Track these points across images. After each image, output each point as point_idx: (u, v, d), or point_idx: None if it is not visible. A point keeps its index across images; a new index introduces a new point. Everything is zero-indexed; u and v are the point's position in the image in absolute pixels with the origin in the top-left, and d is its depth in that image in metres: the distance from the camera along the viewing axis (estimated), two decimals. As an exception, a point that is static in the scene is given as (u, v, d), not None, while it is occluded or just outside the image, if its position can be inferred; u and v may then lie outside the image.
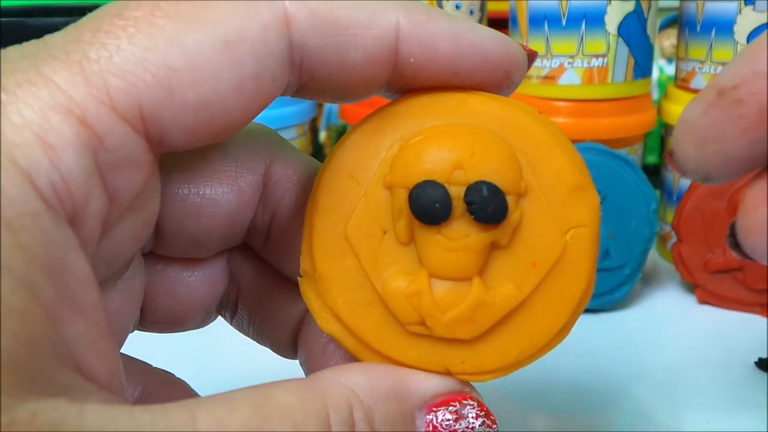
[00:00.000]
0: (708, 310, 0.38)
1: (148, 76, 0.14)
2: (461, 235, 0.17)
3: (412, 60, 0.16)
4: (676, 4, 0.43)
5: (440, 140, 0.17)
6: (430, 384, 0.17)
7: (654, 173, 0.58)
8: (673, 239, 0.39)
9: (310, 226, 0.18)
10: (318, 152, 0.71)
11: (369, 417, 0.15)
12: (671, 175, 0.43)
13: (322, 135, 0.71)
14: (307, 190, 0.18)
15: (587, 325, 0.37)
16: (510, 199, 0.17)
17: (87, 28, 0.15)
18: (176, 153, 0.16)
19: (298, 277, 0.18)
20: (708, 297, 0.38)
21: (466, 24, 0.17)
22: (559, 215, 0.18)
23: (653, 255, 0.44)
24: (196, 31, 0.15)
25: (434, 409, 0.16)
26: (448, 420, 0.16)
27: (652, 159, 0.65)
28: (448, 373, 0.18)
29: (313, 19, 0.15)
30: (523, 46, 0.18)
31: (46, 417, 0.12)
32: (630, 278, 0.37)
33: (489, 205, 0.17)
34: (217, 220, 0.19)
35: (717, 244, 0.38)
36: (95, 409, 0.12)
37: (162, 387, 0.21)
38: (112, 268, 0.17)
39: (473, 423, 0.17)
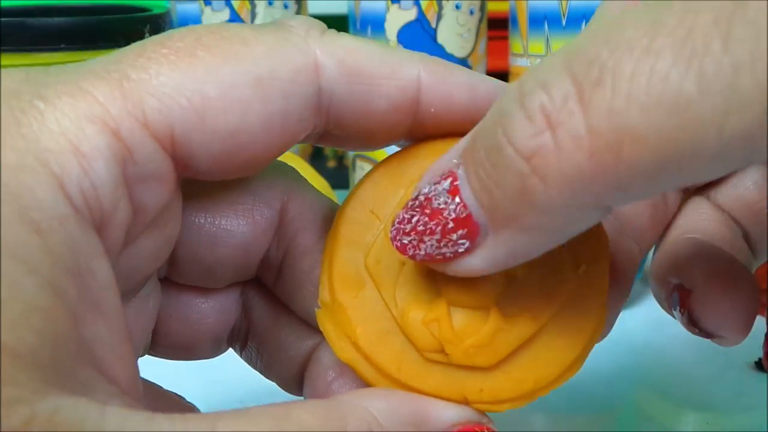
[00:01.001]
0: (708, 310, 0.38)
1: (183, 100, 0.15)
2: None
3: (432, 110, 0.17)
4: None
5: None
6: (449, 413, 0.17)
7: (654, 173, 0.58)
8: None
9: (330, 258, 0.18)
10: (318, 152, 0.71)
11: None
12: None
13: (322, 135, 0.71)
14: (323, 229, 0.19)
15: (587, 325, 0.37)
16: None
17: (130, 53, 0.16)
18: (197, 182, 0.17)
19: (316, 309, 0.18)
20: (708, 297, 0.38)
21: (478, 76, 0.18)
22: (572, 250, 0.18)
23: (653, 255, 0.45)
24: (232, 65, 0.16)
25: None
26: None
27: (652, 159, 0.65)
28: (466, 401, 0.18)
29: (341, 67, 0.17)
30: None
31: (67, 415, 0.12)
32: (630, 278, 0.37)
33: None
34: (231, 250, 0.20)
35: (717, 244, 0.38)
36: (116, 411, 0.12)
37: (172, 410, 0.21)
38: (130, 282, 0.17)
39: None
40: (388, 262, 0.18)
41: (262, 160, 0.17)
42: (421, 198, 0.16)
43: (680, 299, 0.21)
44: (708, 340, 0.35)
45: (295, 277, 0.20)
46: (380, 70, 0.17)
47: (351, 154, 0.46)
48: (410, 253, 0.16)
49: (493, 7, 0.46)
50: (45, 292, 0.13)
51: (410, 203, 0.16)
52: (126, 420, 0.12)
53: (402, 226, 0.16)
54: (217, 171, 0.16)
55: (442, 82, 0.17)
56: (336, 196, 0.40)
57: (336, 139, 0.18)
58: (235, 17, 0.41)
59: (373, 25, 0.42)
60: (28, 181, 0.13)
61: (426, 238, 0.16)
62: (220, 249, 0.19)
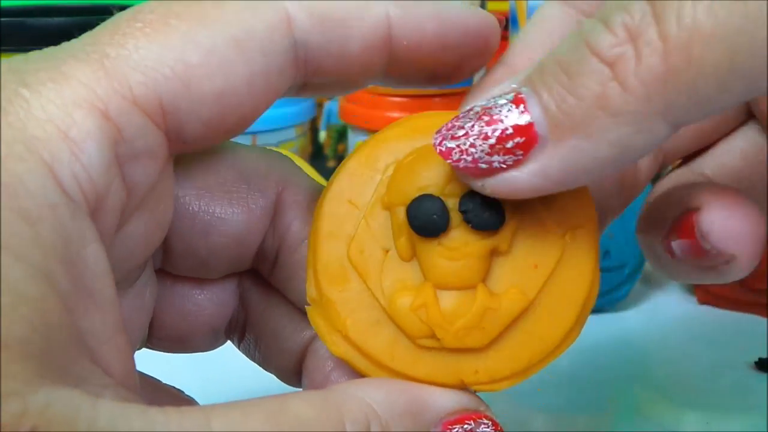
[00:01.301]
0: (708, 310, 0.38)
1: (167, 70, 0.15)
2: (461, 244, 0.17)
3: (405, 42, 0.17)
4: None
5: (432, 156, 0.17)
6: (446, 400, 0.17)
7: (654, 173, 0.58)
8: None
9: (314, 253, 0.18)
10: (318, 152, 0.71)
11: (385, 425, 0.15)
12: (671, 175, 0.43)
13: (322, 135, 0.71)
14: None
15: (587, 325, 0.37)
16: (506, 205, 0.17)
17: (104, 32, 0.15)
18: (191, 168, 0.18)
19: (306, 306, 0.18)
20: (708, 297, 0.38)
21: (445, 3, 0.18)
22: (556, 218, 0.18)
23: (653, 255, 0.45)
24: (208, 29, 0.16)
25: (449, 427, 0.17)
26: None
27: (652, 159, 0.65)
28: (462, 384, 0.18)
29: (312, 17, 0.16)
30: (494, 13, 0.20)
31: (60, 408, 0.12)
32: (630, 278, 0.37)
33: (485, 212, 0.17)
34: (225, 239, 0.19)
35: (717, 244, 0.38)
36: (109, 405, 0.12)
37: (170, 404, 0.21)
38: (123, 270, 0.17)
39: None
40: (371, 251, 0.18)
41: (249, 118, 0.17)
42: (477, 108, 0.16)
43: (683, 225, 0.20)
44: (707, 339, 0.35)
45: (291, 267, 0.20)
46: (350, 13, 0.17)
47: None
48: (455, 158, 0.16)
49: (493, 7, 0.46)
50: (35, 282, 0.12)
51: (462, 114, 0.16)
52: (119, 414, 0.12)
53: (450, 132, 0.16)
54: (207, 137, 0.16)
55: (411, 15, 0.17)
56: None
57: (315, 87, 0.18)
58: (235, 17, 0.41)
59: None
60: (17, 170, 0.13)
61: (478, 143, 0.15)
62: (214, 238, 0.19)
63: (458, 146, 0.16)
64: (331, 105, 0.70)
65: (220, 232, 0.19)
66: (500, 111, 0.15)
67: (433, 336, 0.17)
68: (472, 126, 0.15)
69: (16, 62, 0.15)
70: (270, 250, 0.20)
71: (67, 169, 0.14)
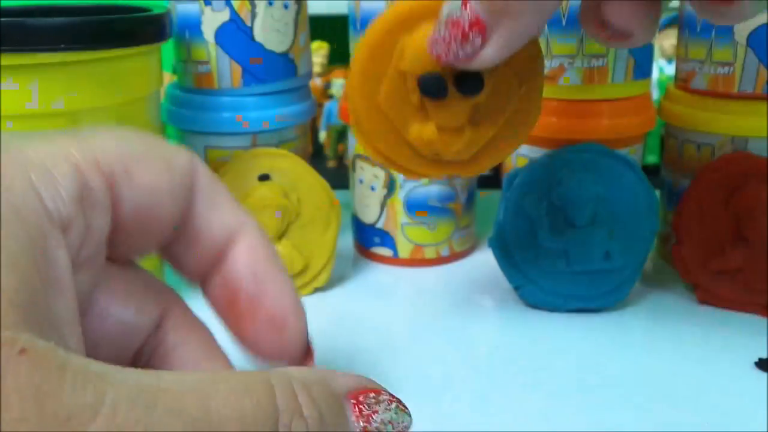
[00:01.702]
0: (708, 310, 0.38)
1: (119, 158, 0.20)
2: (455, 104, 0.27)
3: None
4: (676, 4, 0.43)
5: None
6: (350, 379, 0.20)
7: (654, 173, 0.58)
8: (673, 240, 0.39)
9: (353, 96, 0.27)
10: (318, 152, 0.71)
11: (310, 395, 0.18)
12: (671, 175, 0.43)
13: (322, 135, 0.71)
14: (197, 346, 0.24)
15: (587, 325, 0.37)
16: (484, 74, 0.26)
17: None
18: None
19: (353, 130, 0.28)
20: (708, 297, 0.38)
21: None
22: (516, 75, 0.27)
23: (653, 255, 0.44)
24: (153, 164, 0.21)
25: (358, 397, 0.20)
26: (371, 403, 0.20)
27: (652, 159, 0.65)
28: (455, 175, 0.31)
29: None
30: None
31: (42, 344, 0.14)
32: (630, 278, 0.37)
33: (471, 84, 0.26)
34: (112, 328, 0.22)
35: (717, 245, 0.37)
36: (79, 357, 0.15)
37: (180, 311, 0.24)
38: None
39: (390, 406, 0.20)
40: (394, 100, 0.27)
41: (165, 225, 0.22)
42: (443, 18, 0.24)
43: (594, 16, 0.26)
44: (707, 339, 0.35)
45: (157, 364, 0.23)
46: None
47: (351, 153, 0.46)
48: (444, 57, 0.25)
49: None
50: (24, 255, 0.16)
51: (437, 25, 0.24)
52: (88, 362, 0.15)
53: (435, 40, 0.24)
54: (134, 224, 0.21)
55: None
56: (336, 195, 0.40)
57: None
58: (235, 17, 0.41)
59: (373, 25, 0.42)
60: (15, 184, 0.17)
61: (452, 43, 0.24)
62: (104, 325, 0.22)
63: (443, 50, 0.24)
64: (331, 105, 0.70)
65: (108, 322, 0.22)
66: (457, 15, 0.23)
67: (438, 156, 0.28)
68: (443, 31, 0.24)
69: (11, 138, 0.19)
70: (144, 355, 0.23)
71: (47, 192, 0.18)
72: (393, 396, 0.21)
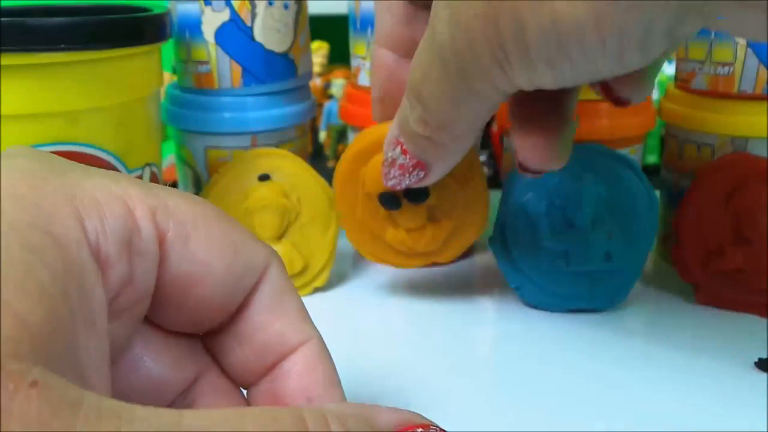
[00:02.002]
0: (708, 310, 0.38)
1: (179, 220, 0.19)
2: (409, 211, 0.35)
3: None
4: (676, 4, 0.43)
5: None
6: (394, 414, 0.19)
7: (654, 173, 0.58)
8: (673, 239, 0.39)
9: (341, 216, 0.36)
10: (318, 152, 0.71)
11: (344, 424, 0.17)
12: (671, 175, 0.43)
13: (322, 135, 0.71)
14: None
15: (587, 325, 0.37)
16: (429, 186, 0.33)
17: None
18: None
19: (346, 235, 0.36)
20: (708, 298, 0.38)
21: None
22: (457, 179, 0.34)
23: (653, 255, 0.44)
24: (224, 244, 0.21)
25: (404, 429, 0.18)
26: None
27: (652, 159, 0.65)
28: (435, 263, 0.38)
29: None
30: None
31: (54, 379, 0.13)
32: (630, 278, 0.37)
33: (416, 195, 0.34)
34: (146, 382, 0.21)
35: (717, 245, 0.37)
36: (93, 394, 0.14)
37: (215, 375, 0.23)
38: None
39: None
40: (369, 213, 0.35)
41: (209, 309, 0.21)
42: (389, 159, 0.30)
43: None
44: (707, 339, 0.35)
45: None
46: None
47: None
48: (396, 187, 0.31)
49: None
50: (56, 286, 0.15)
51: (385, 163, 0.30)
52: (104, 399, 0.14)
53: (386, 176, 0.31)
54: (174, 293, 0.20)
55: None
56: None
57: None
58: (235, 17, 0.41)
59: (374, 25, 0.42)
60: (59, 212, 0.16)
61: (401, 178, 0.30)
62: (135, 376, 0.21)
63: (393, 181, 0.30)
64: (331, 105, 0.70)
65: (142, 375, 0.21)
66: (399, 159, 0.29)
67: (411, 250, 0.36)
68: (394, 171, 0.30)
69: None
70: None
71: (92, 226, 0.17)
72: (442, 430, 0.19)
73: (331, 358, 0.22)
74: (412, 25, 0.31)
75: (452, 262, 0.37)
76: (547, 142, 0.28)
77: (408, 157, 0.29)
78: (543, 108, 0.28)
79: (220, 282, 0.20)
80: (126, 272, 0.18)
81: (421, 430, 0.19)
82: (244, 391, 0.23)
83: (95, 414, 0.13)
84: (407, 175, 0.29)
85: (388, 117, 0.32)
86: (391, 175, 0.30)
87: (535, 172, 0.29)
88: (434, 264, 0.36)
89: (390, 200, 0.34)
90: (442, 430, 0.19)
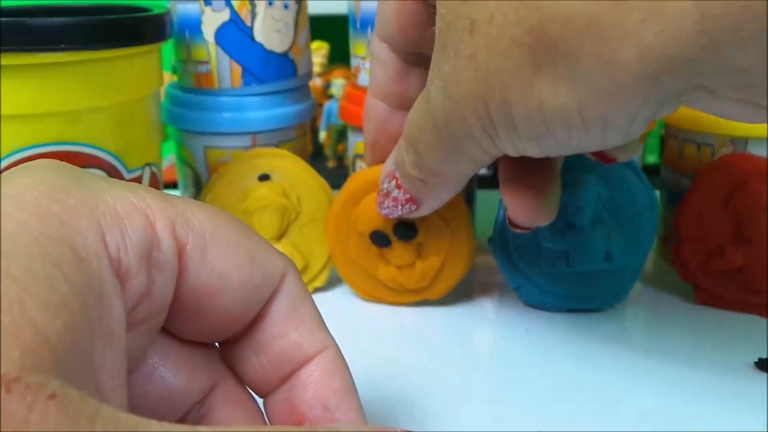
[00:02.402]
0: (708, 310, 0.38)
1: (199, 233, 0.20)
2: (399, 248, 0.37)
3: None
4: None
5: (371, 208, 0.36)
6: None
7: (654, 173, 0.58)
8: (673, 239, 0.39)
9: (334, 254, 0.38)
10: (318, 152, 0.71)
11: None
12: (671, 175, 0.43)
13: (322, 135, 0.71)
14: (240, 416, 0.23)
15: (587, 325, 0.37)
16: (415, 223, 0.36)
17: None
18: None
19: (338, 271, 0.39)
20: (708, 297, 0.38)
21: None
22: (443, 217, 0.36)
23: (653, 255, 0.44)
24: (242, 251, 0.21)
25: None
26: None
27: (652, 159, 0.65)
28: (425, 299, 0.38)
29: None
30: None
31: (71, 390, 0.13)
32: (630, 278, 0.37)
33: (405, 232, 0.36)
34: (161, 391, 0.21)
35: (717, 245, 0.37)
36: (109, 408, 0.14)
37: (231, 385, 0.23)
38: None
39: None
40: (360, 251, 0.37)
41: (227, 320, 0.21)
42: (384, 190, 0.33)
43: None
44: (707, 339, 0.35)
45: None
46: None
47: (351, 154, 0.46)
48: (389, 216, 0.34)
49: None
50: (76, 299, 0.15)
51: (380, 193, 0.33)
52: (120, 414, 0.14)
53: (381, 205, 0.33)
54: (192, 304, 0.20)
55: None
56: (336, 195, 0.40)
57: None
58: (235, 17, 0.41)
59: (373, 25, 0.42)
60: (80, 225, 0.16)
61: (394, 209, 0.33)
62: (150, 385, 0.21)
63: (387, 211, 0.33)
64: (331, 105, 0.70)
65: (157, 384, 0.21)
66: (393, 192, 0.32)
67: (402, 286, 0.37)
68: (387, 203, 0.33)
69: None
70: (192, 417, 0.22)
71: (113, 239, 0.17)
72: None
73: (347, 367, 0.22)
74: (404, 81, 0.33)
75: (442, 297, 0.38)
76: (535, 201, 0.29)
77: (402, 191, 0.31)
78: (530, 168, 0.30)
79: (238, 292, 0.20)
80: (145, 285, 0.18)
81: None
82: (260, 401, 0.23)
83: (112, 427, 0.13)
84: (400, 207, 0.32)
85: (379, 161, 0.35)
86: (385, 206, 0.33)
87: (523, 228, 0.31)
88: (425, 300, 0.38)
89: (380, 238, 0.36)
90: None
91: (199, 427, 0.15)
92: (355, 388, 0.22)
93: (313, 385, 0.21)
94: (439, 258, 0.37)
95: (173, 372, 0.21)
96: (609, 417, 0.29)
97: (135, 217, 0.18)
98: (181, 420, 0.21)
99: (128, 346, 0.18)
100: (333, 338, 0.22)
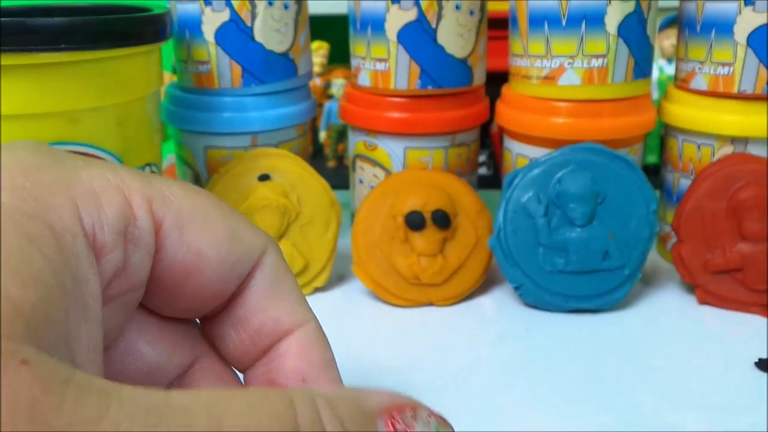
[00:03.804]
0: (708, 310, 0.38)
1: (176, 211, 0.20)
2: (430, 234, 0.38)
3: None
4: (676, 4, 0.43)
5: (410, 190, 0.39)
6: (384, 396, 0.18)
7: (654, 173, 0.58)
8: (673, 239, 0.39)
9: (356, 239, 0.39)
10: (318, 152, 0.71)
11: (335, 412, 0.16)
12: (671, 175, 0.43)
13: (322, 135, 0.71)
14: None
15: (587, 325, 0.37)
16: (451, 216, 0.38)
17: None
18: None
19: (352, 266, 0.39)
20: (708, 297, 0.38)
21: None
22: (474, 224, 0.39)
23: (653, 255, 0.44)
24: (218, 226, 0.21)
25: (393, 414, 0.18)
26: (408, 419, 0.18)
27: (652, 159, 0.65)
28: (431, 302, 0.39)
29: None
30: None
31: (44, 357, 0.14)
32: (630, 278, 0.37)
33: (442, 219, 0.38)
34: (140, 366, 0.22)
35: (717, 245, 0.38)
36: (83, 374, 0.14)
37: (211, 361, 0.23)
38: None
39: (429, 422, 0.18)
40: (385, 238, 0.39)
41: (205, 295, 0.21)
42: None
43: None
44: (707, 339, 0.35)
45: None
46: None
47: (351, 153, 0.46)
48: None
49: (493, 7, 0.46)
50: (51, 273, 0.15)
51: None
52: (94, 378, 0.14)
53: None
54: (170, 280, 0.20)
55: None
56: (336, 195, 0.40)
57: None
58: (235, 17, 0.41)
59: (373, 25, 0.42)
60: (56, 202, 0.17)
61: None
62: (130, 360, 0.21)
63: None
64: (331, 105, 0.70)
65: (137, 360, 0.21)
66: None
67: (417, 278, 0.38)
68: None
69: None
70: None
71: (88, 215, 0.17)
72: (432, 411, 0.19)
73: (327, 341, 0.22)
74: None
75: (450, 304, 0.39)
76: None
77: None
78: None
79: (216, 270, 0.20)
80: (121, 261, 0.18)
81: (410, 411, 0.18)
82: (241, 376, 0.23)
83: (85, 391, 0.13)
84: None
85: None
86: None
87: None
88: (431, 304, 0.38)
89: (417, 219, 0.38)
90: (433, 411, 0.19)
91: (173, 391, 0.15)
92: (334, 360, 0.22)
93: (291, 358, 0.21)
94: (458, 260, 0.38)
95: (152, 347, 0.21)
96: (609, 417, 0.29)
97: (111, 194, 0.18)
98: None
99: (105, 321, 0.18)
100: (313, 313, 0.22)
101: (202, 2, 0.41)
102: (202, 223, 0.20)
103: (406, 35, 0.41)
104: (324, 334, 0.22)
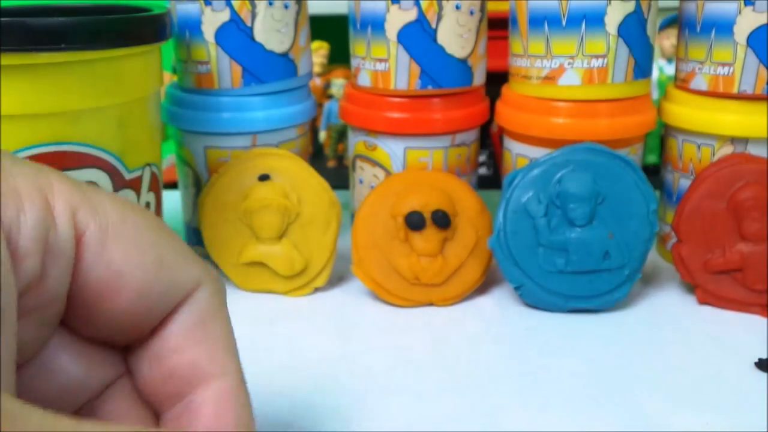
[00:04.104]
0: (708, 310, 0.38)
1: (102, 224, 0.18)
2: (430, 234, 0.38)
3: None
4: (676, 4, 0.43)
5: (411, 191, 0.39)
6: None
7: (654, 173, 0.58)
8: (673, 239, 0.39)
9: (356, 239, 0.39)
10: (318, 152, 0.71)
11: None
12: (671, 176, 0.43)
13: (322, 135, 0.71)
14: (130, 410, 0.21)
15: (587, 325, 0.37)
16: (451, 216, 0.38)
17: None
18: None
19: (352, 266, 0.39)
20: (708, 297, 0.38)
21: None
22: (474, 224, 0.39)
23: (653, 255, 0.44)
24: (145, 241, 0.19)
25: None
26: None
27: (652, 159, 0.65)
28: (431, 302, 0.39)
29: None
30: None
31: None
32: (630, 278, 0.37)
33: (442, 219, 0.38)
34: (60, 382, 0.20)
35: (717, 245, 0.38)
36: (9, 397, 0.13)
37: (132, 385, 0.21)
38: None
39: None
40: (385, 238, 0.38)
41: (122, 322, 0.19)
42: None
43: None
44: (707, 339, 0.35)
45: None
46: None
47: (351, 153, 0.46)
48: None
49: (493, 7, 0.46)
50: None
51: None
52: (4, 400, 0.13)
53: None
54: (87, 298, 0.18)
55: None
56: (336, 195, 0.40)
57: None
58: (235, 17, 0.41)
59: (373, 25, 0.42)
60: None
61: None
62: (51, 377, 0.20)
63: None
64: (331, 105, 0.70)
65: (57, 377, 0.20)
66: None
67: (417, 279, 0.38)
68: None
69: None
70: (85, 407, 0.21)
71: (7, 216, 0.16)
72: None
73: (247, 398, 0.20)
74: None
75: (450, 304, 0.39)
76: None
77: None
78: None
79: (138, 295, 0.19)
80: (38, 269, 0.17)
81: None
82: None
83: None
84: None
85: None
86: None
87: None
88: (431, 305, 0.39)
89: (417, 219, 0.38)
90: None
91: (85, 421, 0.14)
92: (251, 424, 0.20)
93: (206, 415, 0.19)
94: (458, 260, 0.38)
95: (74, 363, 0.20)
96: (609, 416, 0.29)
97: (34, 197, 0.17)
98: (77, 411, 0.20)
99: (22, 335, 0.17)
100: (239, 365, 0.20)
101: (202, 2, 0.41)
102: (129, 241, 0.18)
103: (406, 35, 0.41)
104: (246, 390, 0.20)
